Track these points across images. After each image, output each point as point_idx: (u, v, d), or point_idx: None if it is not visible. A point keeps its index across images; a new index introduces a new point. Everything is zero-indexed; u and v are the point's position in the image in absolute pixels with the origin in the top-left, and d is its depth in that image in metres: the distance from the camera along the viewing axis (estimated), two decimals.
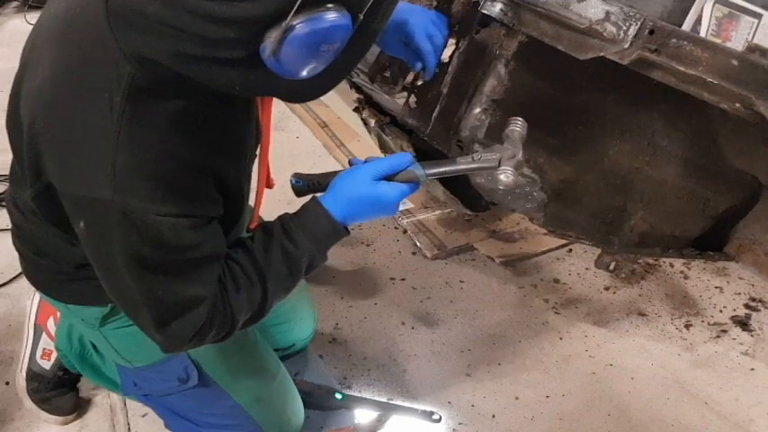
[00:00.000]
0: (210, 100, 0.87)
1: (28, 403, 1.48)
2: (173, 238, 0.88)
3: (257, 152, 1.10)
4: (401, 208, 2.26)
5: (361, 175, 1.04)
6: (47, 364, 1.48)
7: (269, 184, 1.18)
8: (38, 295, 1.49)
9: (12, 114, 0.96)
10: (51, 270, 1.13)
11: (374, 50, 1.55)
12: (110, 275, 0.94)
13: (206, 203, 0.92)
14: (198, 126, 0.88)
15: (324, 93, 0.89)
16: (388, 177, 1.06)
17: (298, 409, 1.35)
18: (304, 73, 0.77)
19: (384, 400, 1.57)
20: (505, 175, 1.12)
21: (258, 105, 1.03)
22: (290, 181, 1.14)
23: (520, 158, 1.15)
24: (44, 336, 1.49)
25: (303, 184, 1.13)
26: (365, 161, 1.10)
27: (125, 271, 0.89)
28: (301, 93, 0.87)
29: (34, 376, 1.48)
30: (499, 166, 1.13)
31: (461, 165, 1.14)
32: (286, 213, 1.06)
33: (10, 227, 1.16)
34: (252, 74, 0.77)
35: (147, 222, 0.85)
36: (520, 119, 1.21)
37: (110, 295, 0.98)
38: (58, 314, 1.45)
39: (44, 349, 1.49)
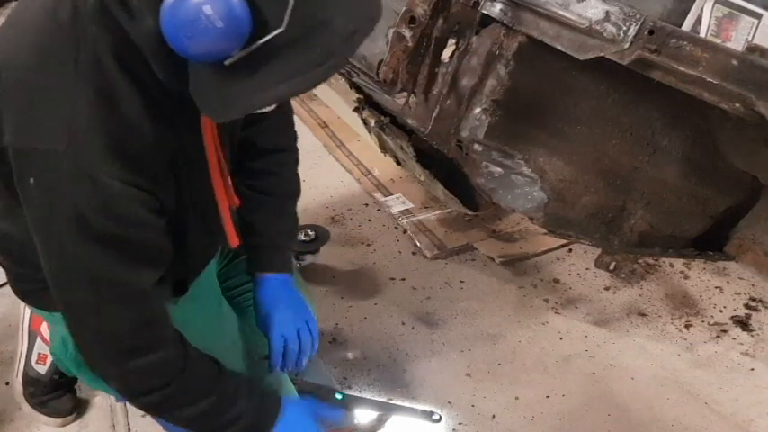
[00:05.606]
0: (164, 88, 0.87)
1: (26, 407, 1.48)
2: (119, 206, 0.87)
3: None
4: (401, 207, 2.27)
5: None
6: (42, 369, 1.48)
7: (232, 202, 1.18)
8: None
9: None
10: (32, 279, 1.11)
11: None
12: (50, 243, 0.91)
13: (158, 180, 0.91)
14: (158, 104, 0.88)
15: (250, 107, 0.82)
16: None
17: None
18: (189, 47, 0.74)
19: (384, 400, 1.57)
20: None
21: (203, 121, 0.99)
22: None
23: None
24: (39, 340, 1.48)
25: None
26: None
27: (66, 233, 0.88)
28: (226, 101, 0.81)
29: (30, 381, 1.48)
30: None
31: None
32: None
33: None
34: (165, 48, 0.77)
35: (95, 180, 0.84)
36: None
37: (47, 271, 0.95)
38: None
39: (39, 354, 1.48)
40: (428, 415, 1.51)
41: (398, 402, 1.56)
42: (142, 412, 1.46)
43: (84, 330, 0.98)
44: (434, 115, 1.58)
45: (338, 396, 1.50)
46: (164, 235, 0.96)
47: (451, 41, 1.59)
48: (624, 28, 1.28)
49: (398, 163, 2.29)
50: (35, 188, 0.87)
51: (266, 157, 1.25)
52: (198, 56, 0.75)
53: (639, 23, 1.26)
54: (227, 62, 0.75)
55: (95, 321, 0.96)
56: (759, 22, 1.81)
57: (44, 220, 0.90)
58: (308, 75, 0.78)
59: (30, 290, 1.16)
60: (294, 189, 1.31)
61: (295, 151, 1.31)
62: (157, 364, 0.99)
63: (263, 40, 0.73)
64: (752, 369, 1.73)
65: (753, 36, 1.81)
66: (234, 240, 1.13)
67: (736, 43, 1.81)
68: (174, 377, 1.00)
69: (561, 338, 1.80)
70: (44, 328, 1.48)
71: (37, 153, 0.85)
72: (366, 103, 2.03)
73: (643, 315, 1.89)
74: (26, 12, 0.90)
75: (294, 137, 1.31)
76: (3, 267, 1.17)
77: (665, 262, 2.08)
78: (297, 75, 0.77)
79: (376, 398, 1.57)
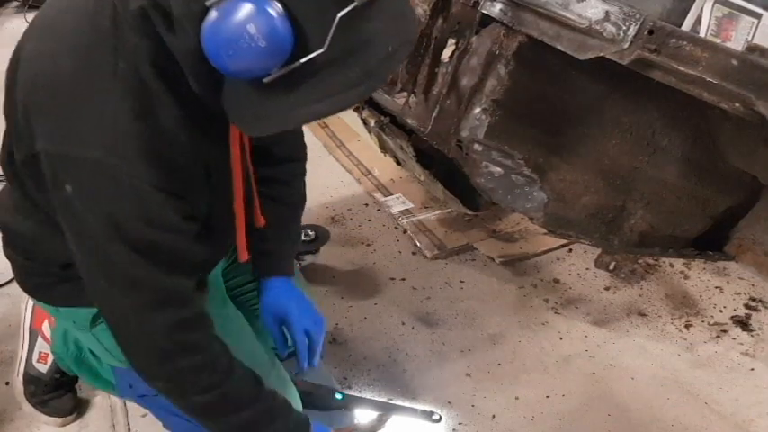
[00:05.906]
0: (198, 99, 0.87)
1: (26, 407, 1.48)
2: (154, 213, 0.87)
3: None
4: (401, 207, 2.27)
5: None
6: (43, 368, 1.48)
7: (258, 222, 1.18)
8: (32, 300, 1.49)
9: (9, 92, 0.94)
10: (40, 273, 1.12)
11: None
12: (88, 248, 0.92)
13: (194, 190, 0.92)
14: (193, 115, 0.88)
15: (286, 124, 0.82)
16: None
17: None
18: (230, 65, 0.74)
19: (384, 400, 1.57)
20: None
21: (231, 136, 1.00)
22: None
23: None
24: (40, 339, 1.48)
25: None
26: None
27: (103, 238, 0.88)
28: (261, 117, 0.81)
29: (31, 380, 1.48)
30: None
31: None
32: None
33: None
34: (205, 65, 0.77)
35: (134, 187, 0.85)
36: None
37: (84, 273, 0.95)
38: (53, 318, 1.44)
39: (40, 353, 1.48)
40: (428, 415, 1.51)
41: (398, 402, 1.56)
42: (142, 412, 1.47)
43: (125, 332, 0.99)
44: (434, 115, 1.58)
45: (338, 396, 1.50)
46: (194, 242, 0.96)
47: (451, 41, 1.59)
48: (624, 28, 1.28)
49: (398, 163, 2.29)
50: (71, 195, 0.87)
51: (279, 166, 1.26)
52: (238, 73, 0.75)
53: (639, 23, 1.27)
54: (265, 80, 0.75)
55: (135, 322, 0.96)
56: (759, 22, 1.81)
57: (81, 225, 0.91)
58: (345, 95, 0.78)
59: (36, 285, 1.17)
60: (301, 199, 1.34)
61: (304, 161, 1.33)
62: (204, 365, 0.99)
63: (304, 59, 0.73)
64: (752, 369, 1.73)
65: (752, 36, 1.81)
66: (243, 255, 1.14)
67: (736, 43, 1.81)
68: (223, 378, 1.01)
69: (561, 338, 1.80)
70: (45, 327, 1.48)
71: (73, 160, 0.85)
72: (366, 103, 2.03)
73: (643, 315, 1.89)
74: (61, 15, 0.89)
75: (304, 147, 1.33)
76: (11, 261, 1.17)
77: (665, 262, 2.08)
78: (334, 94, 0.77)
79: (376, 398, 1.57)
